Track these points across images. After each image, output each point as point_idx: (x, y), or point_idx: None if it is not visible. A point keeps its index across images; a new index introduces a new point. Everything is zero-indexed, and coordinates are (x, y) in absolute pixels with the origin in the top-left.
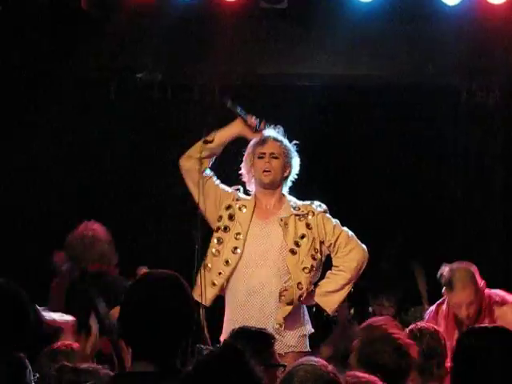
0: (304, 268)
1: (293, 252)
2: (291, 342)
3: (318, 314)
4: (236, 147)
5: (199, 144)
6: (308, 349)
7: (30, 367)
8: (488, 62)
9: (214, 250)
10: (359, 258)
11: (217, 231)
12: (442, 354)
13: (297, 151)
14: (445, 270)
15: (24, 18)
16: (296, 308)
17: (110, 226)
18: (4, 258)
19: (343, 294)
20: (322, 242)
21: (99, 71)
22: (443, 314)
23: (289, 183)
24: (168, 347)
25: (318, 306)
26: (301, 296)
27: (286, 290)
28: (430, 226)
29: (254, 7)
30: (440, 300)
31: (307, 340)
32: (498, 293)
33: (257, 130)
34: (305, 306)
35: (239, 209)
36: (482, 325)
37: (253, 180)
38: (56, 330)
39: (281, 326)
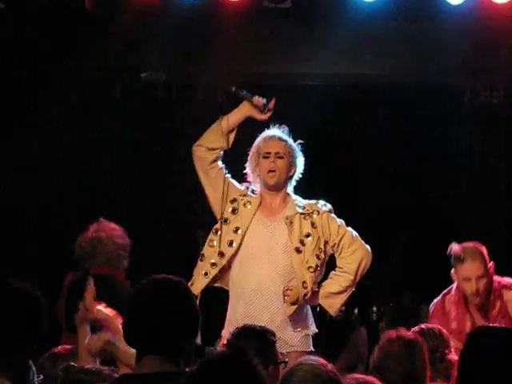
0: (309, 267)
1: (298, 251)
2: (294, 341)
3: (321, 314)
4: (240, 147)
5: (209, 131)
6: (311, 348)
7: (33, 368)
8: (492, 62)
9: (210, 240)
10: (363, 259)
11: (218, 222)
12: (443, 348)
13: (301, 150)
14: (454, 246)
15: (26, 18)
16: (300, 307)
17: None
18: (4, 258)
19: (346, 295)
20: (326, 242)
21: (103, 71)
22: (452, 299)
23: (293, 182)
24: (172, 349)
25: (321, 306)
26: (305, 295)
27: (290, 289)
28: (434, 226)
29: (258, 7)
30: (446, 290)
31: (310, 340)
32: (506, 278)
33: (264, 110)
34: (309, 305)
35: (244, 204)
36: (489, 325)
37: (258, 179)
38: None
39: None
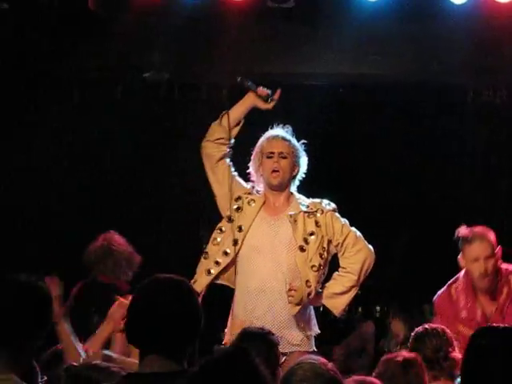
0: (312, 266)
1: (302, 249)
2: (296, 341)
3: (324, 315)
4: (244, 147)
5: (214, 125)
6: (313, 348)
7: (38, 369)
8: (495, 61)
9: (214, 238)
10: (366, 259)
11: (222, 220)
12: (447, 347)
13: (304, 150)
14: (462, 228)
15: (29, 18)
16: (303, 308)
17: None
18: (4, 258)
19: (350, 295)
20: (329, 241)
21: (106, 71)
22: (460, 287)
23: (296, 182)
24: (175, 348)
25: (325, 307)
26: (309, 294)
27: (294, 289)
28: (435, 226)
29: (261, 6)
30: (451, 280)
31: (313, 340)
32: None
33: (268, 100)
34: (311, 306)
35: (248, 203)
36: (494, 324)
37: (261, 179)
38: None
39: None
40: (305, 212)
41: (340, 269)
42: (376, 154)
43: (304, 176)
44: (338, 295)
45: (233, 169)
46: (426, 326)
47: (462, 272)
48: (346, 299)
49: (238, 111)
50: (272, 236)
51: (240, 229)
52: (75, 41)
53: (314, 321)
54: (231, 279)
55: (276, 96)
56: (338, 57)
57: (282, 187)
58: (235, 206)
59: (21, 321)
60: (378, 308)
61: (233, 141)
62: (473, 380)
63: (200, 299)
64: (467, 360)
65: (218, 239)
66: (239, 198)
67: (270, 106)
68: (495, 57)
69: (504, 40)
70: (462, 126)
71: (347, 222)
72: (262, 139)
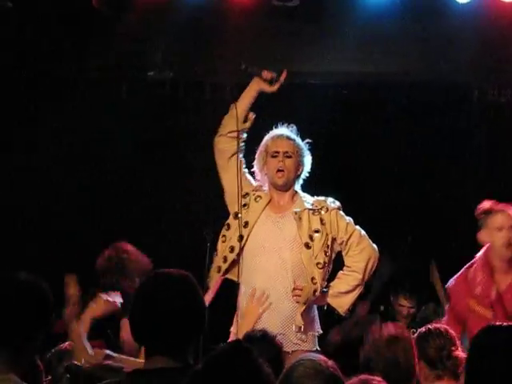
0: (317, 263)
1: (307, 246)
2: (300, 340)
3: (328, 314)
4: (248, 146)
5: (225, 118)
6: (317, 347)
7: (41, 368)
8: (500, 60)
9: (222, 235)
10: (370, 258)
11: (229, 217)
12: (450, 346)
13: (308, 149)
14: (484, 203)
15: (32, 17)
16: (308, 307)
17: (110, 226)
18: (4, 258)
19: (355, 294)
20: (334, 239)
21: (109, 70)
22: (478, 264)
23: (300, 181)
24: (179, 344)
25: (329, 306)
26: (315, 291)
27: (300, 289)
28: (439, 226)
29: (266, 5)
30: (468, 264)
31: (316, 339)
32: None
33: (273, 82)
34: (315, 306)
35: (255, 199)
36: (498, 323)
37: (266, 178)
38: None
39: (301, 328)
40: (310, 209)
41: (345, 267)
42: (380, 154)
43: (308, 175)
44: (343, 294)
45: (244, 165)
46: (429, 326)
47: (479, 254)
48: (350, 298)
49: (246, 98)
50: (277, 233)
51: (246, 225)
52: (78, 40)
53: (317, 320)
54: (236, 273)
55: (282, 78)
56: (343, 56)
57: (287, 187)
58: (242, 203)
59: (20, 320)
60: (382, 307)
61: (245, 135)
62: (477, 378)
63: (213, 296)
64: (471, 358)
65: (226, 236)
66: (247, 194)
67: (275, 88)
68: (500, 56)
69: (509, 39)
70: (467, 125)
71: (352, 220)
72: (266, 138)
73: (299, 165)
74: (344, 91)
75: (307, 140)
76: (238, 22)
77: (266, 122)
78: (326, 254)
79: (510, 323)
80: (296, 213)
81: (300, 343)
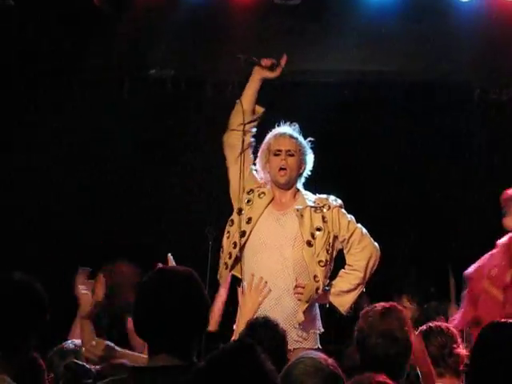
0: (319, 261)
1: (309, 244)
2: (301, 337)
3: (330, 312)
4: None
5: (232, 113)
6: (318, 346)
7: (44, 366)
8: (501, 59)
9: (226, 231)
10: (372, 256)
11: (233, 213)
12: (451, 344)
13: (311, 148)
14: (509, 190)
15: (33, 15)
16: (310, 305)
17: (110, 226)
18: (4, 258)
19: (357, 293)
20: (335, 237)
21: (111, 69)
22: (502, 249)
23: (302, 179)
24: (183, 341)
25: (331, 304)
26: (317, 289)
27: (302, 286)
28: (440, 226)
29: (267, 3)
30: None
31: (317, 337)
32: None
33: (274, 68)
34: (317, 303)
35: (259, 195)
36: (502, 320)
37: (268, 176)
38: None
39: (300, 324)
40: (311, 207)
41: (346, 266)
42: (381, 152)
43: (309, 174)
44: (345, 293)
45: (252, 162)
46: (430, 324)
47: (503, 239)
48: (352, 297)
49: (250, 89)
50: (279, 230)
51: (249, 220)
52: (79, 39)
53: (319, 318)
54: (239, 270)
55: (282, 62)
56: (344, 54)
57: (289, 185)
58: (246, 200)
59: (14, 321)
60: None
61: (255, 129)
62: (481, 374)
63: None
64: (475, 355)
65: (230, 232)
66: (251, 190)
67: (277, 73)
68: (502, 55)
69: (510, 38)
70: (468, 124)
71: (353, 218)
72: (268, 136)
73: (301, 163)
74: (345, 92)
75: (309, 138)
76: (239, 20)
77: (267, 121)
78: (327, 252)
79: None
80: (298, 210)
81: (302, 341)
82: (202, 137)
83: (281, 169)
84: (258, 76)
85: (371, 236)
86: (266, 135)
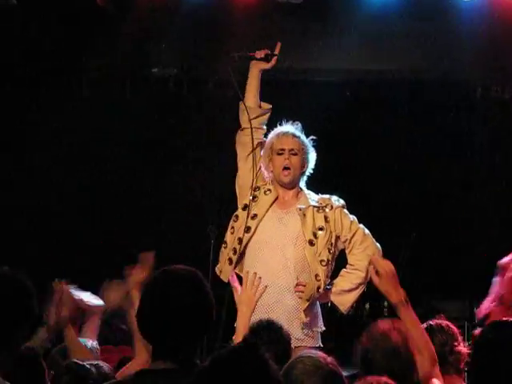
0: (321, 260)
1: (311, 243)
2: (303, 336)
3: (331, 311)
4: None
5: (239, 114)
6: (319, 344)
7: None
8: (503, 58)
9: (231, 227)
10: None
11: (238, 208)
12: (452, 341)
13: (313, 146)
14: None
15: (36, 14)
16: (312, 303)
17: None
18: (4, 258)
19: (358, 292)
20: (337, 237)
21: (114, 68)
22: None
23: (305, 178)
24: (187, 343)
25: (332, 303)
26: (319, 288)
27: (303, 285)
28: (440, 224)
29: (270, 2)
30: None
31: (319, 335)
32: None
33: (269, 58)
34: (318, 302)
35: (264, 192)
36: (504, 319)
37: (271, 175)
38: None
39: (302, 323)
40: (314, 207)
41: (348, 266)
42: (383, 151)
43: (311, 172)
44: (346, 292)
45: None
46: (431, 322)
47: None
48: (353, 296)
49: (250, 84)
50: (281, 229)
51: (254, 216)
52: (82, 38)
53: (320, 317)
54: (240, 267)
55: (276, 50)
56: (346, 53)
57: (293, 184)
58: (251, 196)
59: (1, 317)
60: (386, 303)
61: (265, 127)
62: (482, 373)
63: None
64: (477, 353)
65: (234, 227)
66: (258, 188)
67: (273, 63)
68: (504, 53)
69: None
70: (470, 122)
71: (355, 218)
72: (271, 135)
73: (304, 162)
74: (347, 92)
75: (312, 137)
76: (241, 19)
77: (269, 119)
78: (329, 252)
79: None
80: (300, 209)
81: (303, 339)
82: (203, 136)
83: (285, 168)
84: (255, 70)
85: (373, 234)
86: (267, 133)
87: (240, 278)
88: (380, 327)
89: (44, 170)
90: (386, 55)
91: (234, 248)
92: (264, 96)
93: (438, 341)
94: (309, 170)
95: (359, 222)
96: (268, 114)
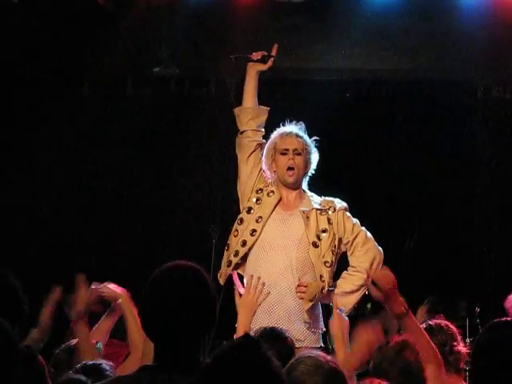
0: (325, 262)
1: (315, 245)
2: (304, 337)
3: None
4: None
5: (238, 112)
6: (321, 345)
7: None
8: (505, 57)
9: (234, 230)
10: (375, 258)
11: (242, 211)
12: (451, 341)
13: (316, 147)
14: None
15: (37, 13)
16: (314, 304)
17: (110, 226)
18: (4, 258)
19: (359, 294)
20: (340, 239)
21: (115, 67)
22: None
23: (307, 178)
24: (190, 340)
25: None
26: (323, 289)
27: (304, 285)
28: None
29: (271, 2)
30: None
31: (320, 336)
32: None
33: (265, 59)
34: (319, 303)
35: (267, 194)
36: (504, 319)
37: (274, 175)
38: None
39: (303, 323)
40: (317, 209)
41: (349, 268)
42: (384, 151)
43: (313, 173)
44: (348, 294)
45: (263, 163)
46: (430, 322)
47: None
48: (355, 298)
49: (248, 85)
50: (285, 231)
51: (259, 219)
52: (83, 37)
53: (321, 318)
54: (243, 269)
55: (273, 52)
56: (348, 53)
57: (297, 184)
58: (255, 199)
59: None
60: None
61: (263, 129)
62: (482, 373)
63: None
64: (476, 353)
65: (238, 230)
66: (260, 190)
67: (270, 64)
68: (505, 53)
69: None
70: (471, 121)
71: (358, 221)
72: (274, 135)
73: (307, 162)
74: (347, 93)
75: (315, 137)
76: (243, 18)
77: (270, 119)
78: (333, 253)
79: None
80: (304, 212)
81: (304, 340)
82: (205, 135)
83: (289, 168)
84: (252, 71)
85: (374, 235)
86: (268, 133)
87: (242, 278)
88: (392, 345)
89: (44, 170)
90: (386, 55)
91: (236, 250)
92: (264, 96)
93: (437, 341)
94: (311, 171)
95: (359, 221)
96: (266, 116)
